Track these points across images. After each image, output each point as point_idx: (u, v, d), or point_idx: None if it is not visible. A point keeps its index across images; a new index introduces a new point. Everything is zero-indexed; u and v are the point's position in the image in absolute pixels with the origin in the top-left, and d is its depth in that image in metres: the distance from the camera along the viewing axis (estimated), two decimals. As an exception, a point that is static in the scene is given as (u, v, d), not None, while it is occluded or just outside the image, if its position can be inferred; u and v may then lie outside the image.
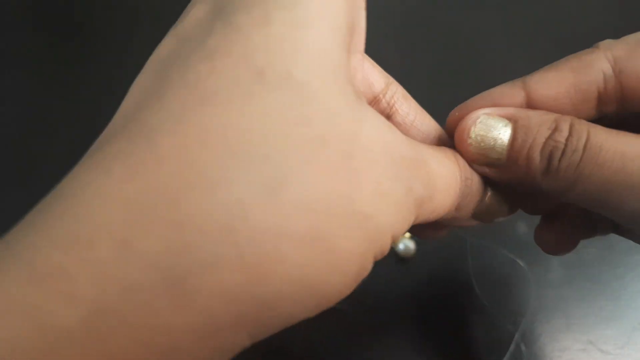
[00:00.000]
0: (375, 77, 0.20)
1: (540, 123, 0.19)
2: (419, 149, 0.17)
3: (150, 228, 0.12)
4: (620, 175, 0.18)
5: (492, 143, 0.19)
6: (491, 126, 0.20)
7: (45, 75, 0.45)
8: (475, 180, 0.20)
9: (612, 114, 0.20)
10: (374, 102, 0.21)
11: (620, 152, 0.18)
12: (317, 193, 0.14)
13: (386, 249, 0.16)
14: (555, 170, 0.19)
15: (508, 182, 0.20)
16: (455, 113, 0.21)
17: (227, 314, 0.13)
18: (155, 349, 0.13)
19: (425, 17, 0.45)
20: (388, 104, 0.21)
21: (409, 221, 0.16)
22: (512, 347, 0.30)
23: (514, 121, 0.19)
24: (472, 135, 0.20)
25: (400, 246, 0.32)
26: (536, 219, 0.25)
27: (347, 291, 0.15)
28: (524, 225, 0.25)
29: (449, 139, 0.21)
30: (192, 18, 0.16)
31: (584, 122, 0.19)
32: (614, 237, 0.32)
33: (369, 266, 0.15)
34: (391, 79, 0.21)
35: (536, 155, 0.19)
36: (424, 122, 0.21)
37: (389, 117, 0.21)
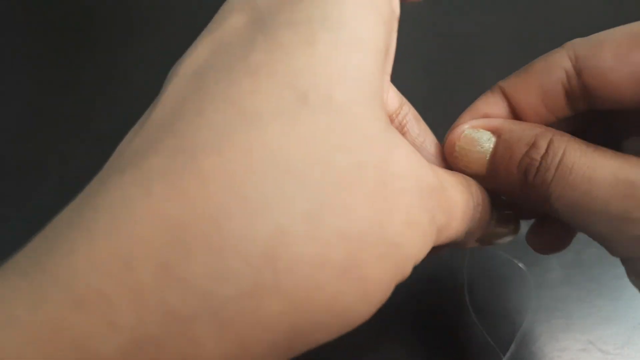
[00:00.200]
0: (391, 96, 0.20)
1: (519, 138, 0.19)
2: (440, 175, 0.17)
3: (191, 252, 0.12)
4: (586, 199, 0.18)
5: (475, 156, 0.20)
6: (474, 140, 0.20)
7: (45, 75, 0.45)
8: (485, 206, 0.20)
9: (585, 111, 0.21)
10: None
11: (587, 176, 0.18)
12: (354, 221, 0.13)
13: (407, 275, 0.16)
14: (531, 185, 0.19)
15: (496, 191, 0.21)
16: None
17: (261, 343, 0.13)
18: None
19: (427, 18, 0.45)
20: (400, 124, 0.21)
21: (429, 248, 0.16)
22: (512, 347, 0.30)
23: (497, 135, 0.20)
24: (457, 148, 0.20)
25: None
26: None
27: (368, 316, 0.15)
28: (524, 225, 0.25)
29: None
30: (230, 27, 0.15)
31: (564, 139, 0.19)
32: (614, 237, 0.32)
33: (390, 292, 0.15)
34: (404, 100, 0.21)
35: (513, 169, 0.19)
36: (432, 144, 0.21)
37: None
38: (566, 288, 0.31)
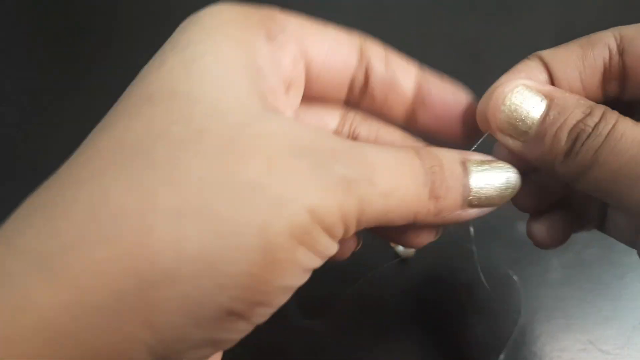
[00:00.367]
0: (327, 118, 0.22)
1: (576, 105, 0.19)
2: (349, 142, 0.18)
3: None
4: (631, 164, 0.18)
5: (524, 115, 0.20)
6: (527, 98, 0.20)
7: (45, 75, 0.45)
8: (446, 166, 0.19)
9: (616, 97, 0.21)
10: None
11: (638, 141, 0.18)
12: (194, 173, 0.15)
13: (311, 230, 0.16)
14: (575, 153, 0.19)
15: (523, 162, 0.20)
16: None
17: (103, 290, 0.14)
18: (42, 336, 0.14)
19: (426, 20, 0.45)
20: (349, 133, 0.23)
21: (338, 201, 0.16)
22: (512, 347, 0.30)
23: (550, 99, 0.20)
24: (507, 102, 0.20)
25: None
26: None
27: (260, 272, 0.15)
28: (524, 225, 0.25)
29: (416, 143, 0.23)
30: None
31: (615, 112, 0.19)
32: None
33: (286, 245, 0.15)
34: (347, 110, 0.23)
35: (563, 135, 0.19)
36: (388, 135, 0.23)
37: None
38: (566, 288, 0.31)
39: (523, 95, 0.20)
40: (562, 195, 0.24)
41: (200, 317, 0.15)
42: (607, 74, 0.20)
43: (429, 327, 0.31)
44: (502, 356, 0.29)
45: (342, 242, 0.17)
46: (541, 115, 0.20)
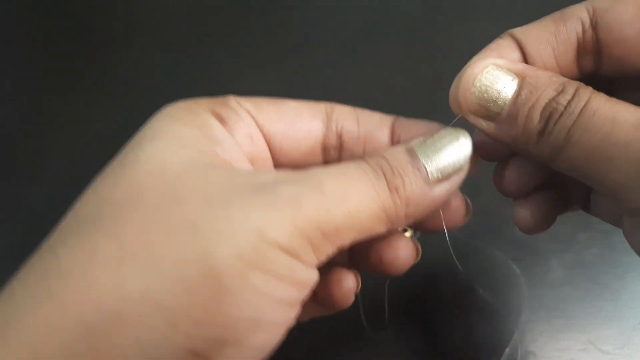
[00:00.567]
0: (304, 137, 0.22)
1: (548, 84, 0.19)
2: (294, 171, 0.18)
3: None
4: (605, 143, 0.17)
5: (495, 95, 0.19)
6: (498, 78, 0.19)
7: (45, 75, 0.45)
8: (391, 157, 0.19)
9: (592, 72, 0.20)
10: (326, 153, 0.23)
11: (610, 118, 0.17)
12: (134, 224, 0.16)
13: (264, 250, 0.16)
14: (549, 133, 0.18)
15: (497, 142, 0.20)
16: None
17: (52, 343, 0.15)
18: None
19: (425, 22, 0.45)
20: (334, 148, 0.22)
21: (289, 216, 0.16)
22: (511, 346, 0.30)
23: (521, 77, 0.19)
24: (477, 83, 0.19)
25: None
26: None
27: (207, 303, 0.15)
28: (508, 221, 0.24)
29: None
30: None
31: (589, 88, 0.18)
32: (614, 237, 0.32)
33: (232, 271, 0.15)
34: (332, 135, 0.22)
35: (536, 115, 0.18)
36: (375, 137, 0.22)
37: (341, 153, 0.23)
38: (566, 288, 0.31)
39: (493, 75, 0.19)
40: (545, 178, 0.23)
41: None
42: (581, 49, 0.20)
43: (429, 327, 0.31)
44: (502, 356, 0.29)
45: (331, 259, 0.18)
46: (513, 95, 0.19)
